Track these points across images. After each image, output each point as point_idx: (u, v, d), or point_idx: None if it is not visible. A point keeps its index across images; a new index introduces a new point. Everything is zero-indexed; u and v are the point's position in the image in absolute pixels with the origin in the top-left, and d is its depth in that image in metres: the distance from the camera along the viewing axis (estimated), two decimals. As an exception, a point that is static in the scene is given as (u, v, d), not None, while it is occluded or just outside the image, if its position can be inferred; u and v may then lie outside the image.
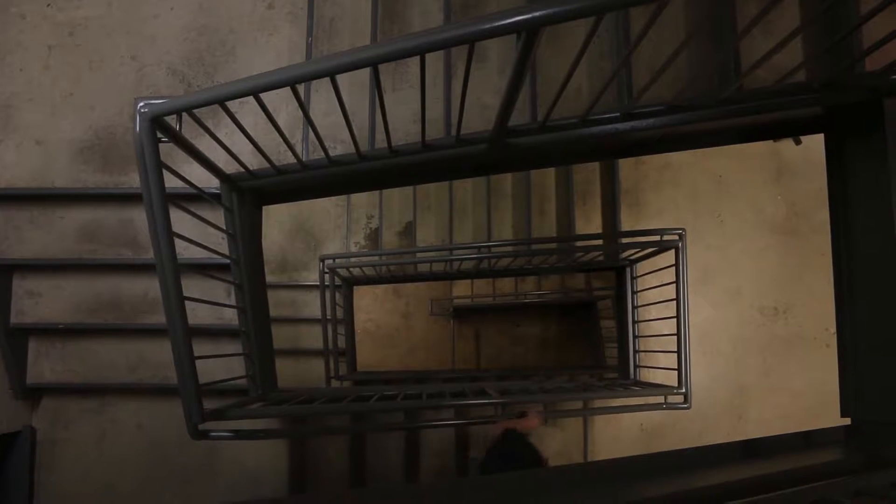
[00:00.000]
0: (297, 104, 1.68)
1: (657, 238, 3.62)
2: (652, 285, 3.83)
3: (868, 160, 1.95)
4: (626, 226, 4.99)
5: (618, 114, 1.93)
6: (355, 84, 2.55)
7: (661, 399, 3.30)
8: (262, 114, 1.68)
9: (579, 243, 4.44)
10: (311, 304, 5.02)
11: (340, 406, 2.62)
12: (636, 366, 4.15)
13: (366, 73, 2.18)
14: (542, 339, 7.80)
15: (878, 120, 1.86)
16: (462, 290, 7.03)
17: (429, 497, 1.52)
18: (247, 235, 2.46)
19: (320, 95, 2.61)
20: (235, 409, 2.19)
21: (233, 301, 2.56)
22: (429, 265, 4.60)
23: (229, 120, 1.73)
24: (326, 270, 4.41)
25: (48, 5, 3.01)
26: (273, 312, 2.91)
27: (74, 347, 3.08)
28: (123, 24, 3.00)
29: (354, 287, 5.34)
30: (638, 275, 4.17)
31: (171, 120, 1.68)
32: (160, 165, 1.65)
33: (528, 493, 1.39)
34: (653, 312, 3.93)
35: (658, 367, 3.72)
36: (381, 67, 1.52)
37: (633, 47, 1.45)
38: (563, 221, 5.25)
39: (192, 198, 2.37)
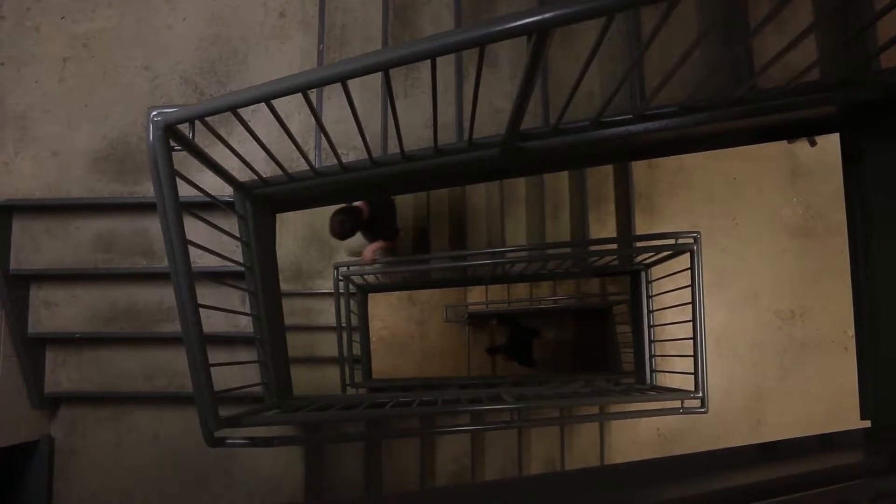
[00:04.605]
0: (309, 111, 1.68)
1: (672, 241, 3.59)
2: (667, 289, 3.81)
3: (885, 159, 1.93)
4: (640, 230, 4.97)
5: (630, 115, 1.93)
6: (367, 90, 2.56)
7: (678, 403, 3.28)
8: (275, 121, 1.69)
9: (594, 248, 4.43)
10: (326, 312, 5.02)
11: (356, 413, 2.63)
12: (652, 370, 4.13)
13: (377, 79, 2.20)
14: (558, 345, 7.78)
15: (893, 117, 1.84)
16: (477, 297, 7.03)
17: (445, 501, 1.51)
18: (261, 243, 2.47)
19: (332, 103, 2.61)
20: (251, 417, 2.19)
21: (247, 309, 2.57)
22: (443, 271, 4.59)
23: (242, 128, 1.74)
24: (341, 278, 4.42)
25: (62, 18, 3.04)
26: (288, 320, 2.91)
27: (91, 356, 3.10)
28: (137, 34, 3.03)
29: (369, 294, 5.35)
30: (653, 279, 4.15)
31: (184, 128, 1.68)
32: (174, 174, 1.66)
33: (547, 495, 1.38)
34: (668, 317, 3.91)
35: (675, 371, 3.69)
36: (393, 73, 1.52)
37: (645, 47, 1.44)
38: (577, 226, 5.23)
39: (206, 206, 2.39)
